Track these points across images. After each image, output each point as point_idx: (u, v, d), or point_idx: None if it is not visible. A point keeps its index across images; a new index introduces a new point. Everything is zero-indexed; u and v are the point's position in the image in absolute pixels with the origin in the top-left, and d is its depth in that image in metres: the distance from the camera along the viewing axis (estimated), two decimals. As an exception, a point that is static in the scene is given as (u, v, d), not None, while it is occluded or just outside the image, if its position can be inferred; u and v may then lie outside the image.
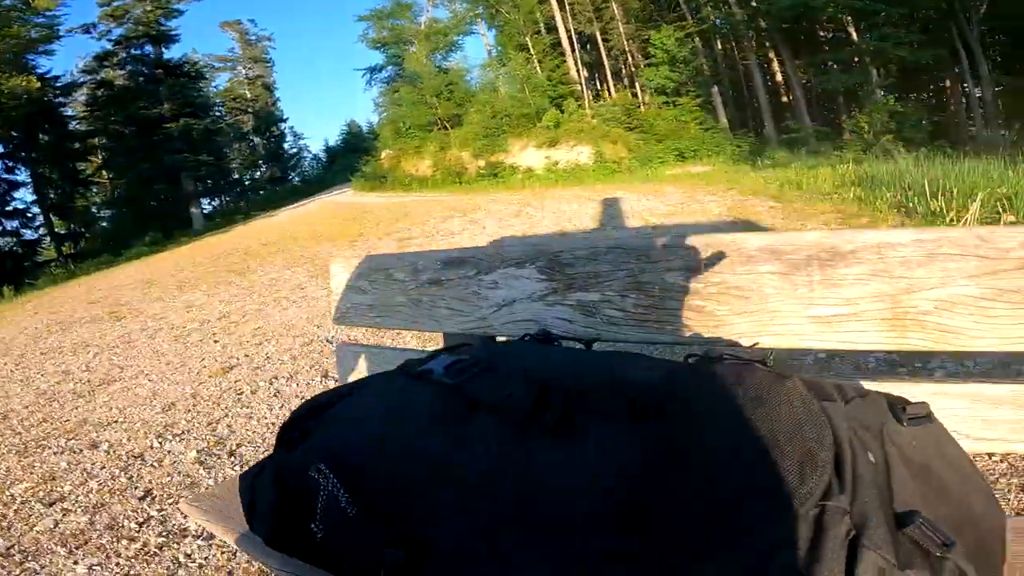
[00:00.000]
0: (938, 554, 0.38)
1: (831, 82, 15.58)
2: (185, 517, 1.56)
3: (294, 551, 0.46)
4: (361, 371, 1.14)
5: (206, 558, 1.43)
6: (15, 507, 1.86)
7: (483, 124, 19.36)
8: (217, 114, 27.29)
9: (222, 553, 1.43)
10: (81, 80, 20.45)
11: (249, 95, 32.35)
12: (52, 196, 18.68)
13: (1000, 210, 3.86)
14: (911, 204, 4.74)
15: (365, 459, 0.47)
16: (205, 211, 23.29)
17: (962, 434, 0.61)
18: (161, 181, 19.93)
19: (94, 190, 21.49)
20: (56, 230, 18.79)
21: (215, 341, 3.90)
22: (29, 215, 17.97)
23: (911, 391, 0.64)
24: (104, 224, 21.48)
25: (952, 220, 3.94)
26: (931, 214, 4.31)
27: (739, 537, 0.37)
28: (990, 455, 1.43)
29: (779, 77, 18.79)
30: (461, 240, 6.97)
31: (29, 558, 1.55)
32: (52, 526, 1.70)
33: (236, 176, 29.75)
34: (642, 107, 19.07)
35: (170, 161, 19.57)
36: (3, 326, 6.14)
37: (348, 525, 0.43)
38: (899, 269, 0.61)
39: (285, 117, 36.75)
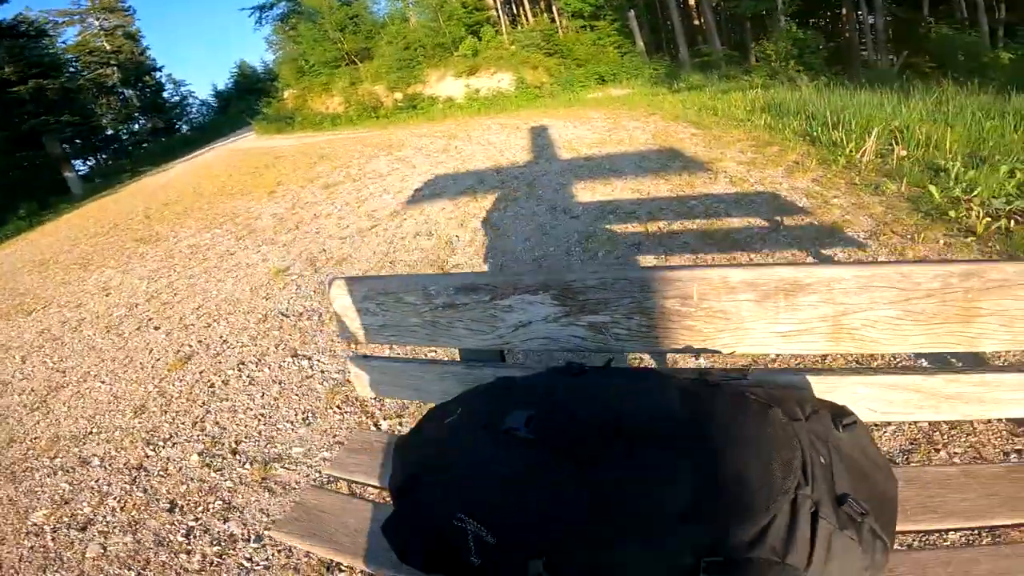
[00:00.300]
0: (859, 520, 0.63)
1: (740, 6, 15.89)
2: (272, 538, 1.55)
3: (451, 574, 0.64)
4: (380, 384, 1.25)
5: (267, 559, 1.50)
6: (49, 536, 1.79)
7: (396, 56, 18.18)
8: (72, 70, 24.33)
9: (279, 551, 1.52)
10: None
11: (109, 47, 28.83)
12: None
13: (894, 142, 4.33)
14: (815, 133, 5.20)
15: (487, 503, 0.64)
16: (81, 172, 20.81)
17: (873, 410, 0.87)
18: (22, 148, 17.60)
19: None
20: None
21: (155, 328, 3.67)
22: None
23: (845, 380, 0.88)
24: (-35, 203, 18.77)
25: (851, 151, 4.39)
26: (833, 144, 4.76)
27: (756, 514, 0.60)
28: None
29: (691, 1, 18.87)
30: (392, 182, 6.58)
31: (108, 588, 1.52)
32: (102, 551, 1.67)
33: (111, 132, 26.77)
34: (560, 32, 18.60)
35: (27, 126, 17.25)
36: None
37: (493, 551, 0.60)
38: (841, 297, 0.82)
39: (159, 66, 33.59)
